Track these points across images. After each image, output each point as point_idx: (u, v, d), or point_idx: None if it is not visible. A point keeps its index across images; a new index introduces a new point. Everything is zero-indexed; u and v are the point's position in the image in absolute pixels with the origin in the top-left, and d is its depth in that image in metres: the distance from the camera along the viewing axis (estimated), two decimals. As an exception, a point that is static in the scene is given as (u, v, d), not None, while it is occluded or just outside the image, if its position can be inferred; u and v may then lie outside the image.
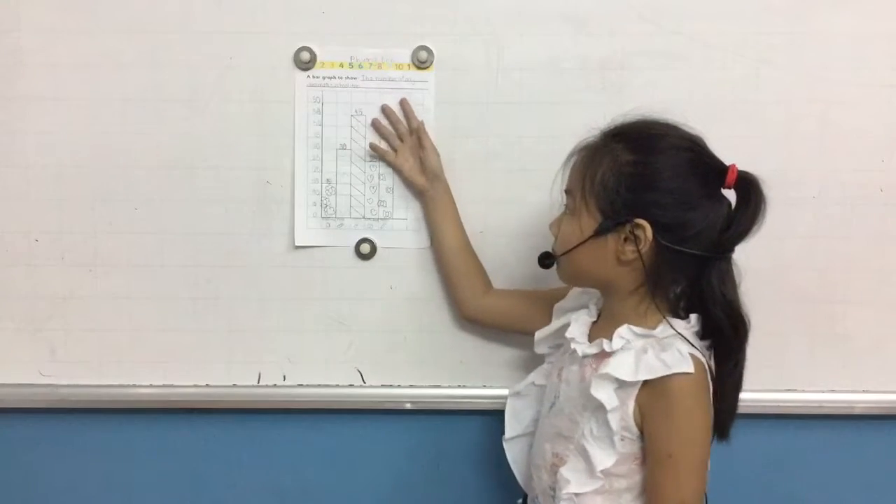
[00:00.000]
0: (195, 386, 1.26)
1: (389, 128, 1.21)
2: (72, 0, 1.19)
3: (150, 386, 1.26)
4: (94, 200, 1.22)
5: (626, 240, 0.95)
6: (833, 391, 1.27)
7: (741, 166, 1.21)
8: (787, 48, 1.21)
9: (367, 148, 1.21)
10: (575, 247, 0.99)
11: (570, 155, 1.02)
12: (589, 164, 0.98)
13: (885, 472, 1.33)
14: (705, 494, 0.97)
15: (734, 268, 0.98)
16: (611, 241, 0.96)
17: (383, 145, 1.21)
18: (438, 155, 1.19)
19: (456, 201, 1.21)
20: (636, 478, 0.97)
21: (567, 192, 1.02)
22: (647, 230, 0.94)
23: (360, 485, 1.32)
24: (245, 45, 1.20)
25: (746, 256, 1.22)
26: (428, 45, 1.20)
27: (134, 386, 1.26)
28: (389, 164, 1.21)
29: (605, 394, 0.95)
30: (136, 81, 1.20)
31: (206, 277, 1.24)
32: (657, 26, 1.20)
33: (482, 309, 1.20)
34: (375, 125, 1.21)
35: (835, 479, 1.32)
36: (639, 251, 0.94)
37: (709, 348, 0.99)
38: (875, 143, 1.23)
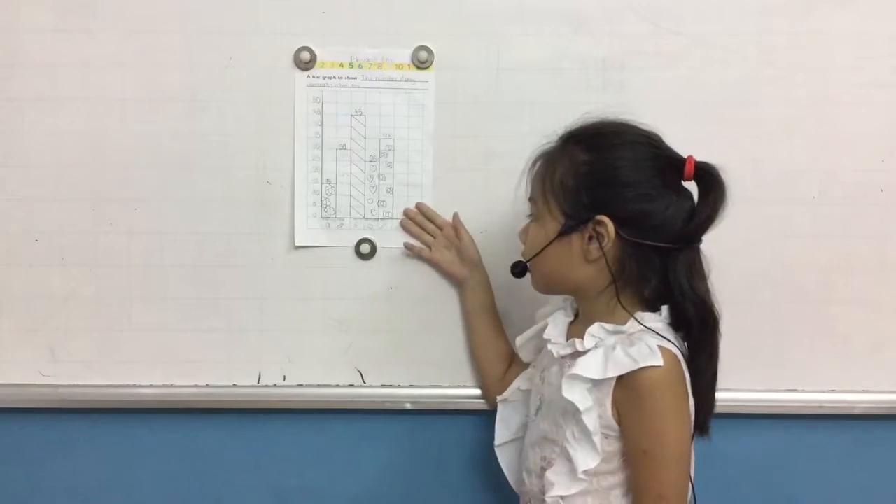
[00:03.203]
0: (195, 386, 1.25)
1: (415, 227, 1.22)
2: (72, 0, 1.19)
3: (150, 386, 1.26)
4: (94, 200, 1.22)
5: (590, 238, 0.96)
6: (833, 391, 1.27)
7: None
8: (787, 48, 1.21)
9: (367, 148, 1.22)
10: (541, 250, 1.00)
11: (531, 162, 1.04)
12: (548, 169, 1.01)
13: (885, 472, 1.33)
14: (692, 487, 0.97)
15: (703, 260, 0.98)
16: (575, 241, 0.97)
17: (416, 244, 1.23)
18: (476, 246, 1.21)
19: (455, 201, 1.22)
20: (623, 475, 0.97)
21: (531, 199, 1.04)
22: (608, 226, 0.95)
23: (360, 485, 1.32)
24: (245, 45, 1.20)
25: (747, 256, 1.24)
26: (428, 45, 1.20)
27: (134, 386, 1.25)
28: (426, 260, 1.22)
29: (577, 394, 0.95)
30: (136, 81, 1.20)
31: (206, 277, 1.24)
32: (657, 26, 1.20)
33: (505, 386, 1.19)
34: (404, 225, 1.22)
35: (835, 479, 1.32)
36: (602, 248, 0.95)
37: (683, 339, 0.99)
38: (875, 143, 1.23)
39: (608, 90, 1.21)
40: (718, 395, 1.23)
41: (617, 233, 0.95)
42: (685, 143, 0.99)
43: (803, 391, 1.27)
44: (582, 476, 0.95)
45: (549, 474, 0.98)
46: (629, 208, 0.95)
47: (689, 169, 0.96)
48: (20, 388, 1.25)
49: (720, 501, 1.32)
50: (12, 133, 1.21)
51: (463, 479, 1.31)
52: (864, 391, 1.27)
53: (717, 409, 1.25)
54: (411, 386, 1.27)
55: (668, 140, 1.00)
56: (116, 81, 1.20)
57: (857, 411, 1.27)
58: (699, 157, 0.98)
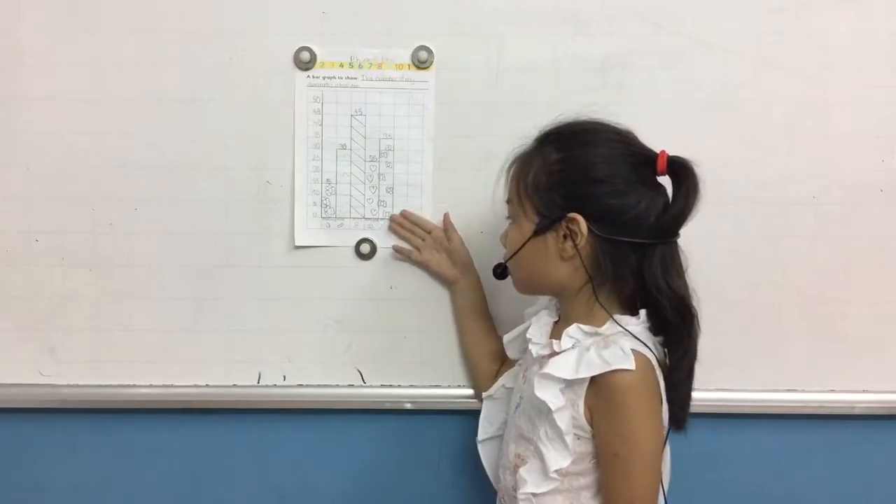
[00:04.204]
0: (195, 386, 1.25)
1: (404, 231, 1.22)
2: (72, 0, 1.19)
3: (150, 386, 1.26)
4: (94, 200, 1.22)
5: (564, 237, 0.96)
6: (833, 391, 1.27)
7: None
8: (787, 48, 1.21)
9: (367, 148, 1.22)
10: (517, 250, 1.00)
11: (507, 165, 1.04)
12: (522, 170, 1.01)
13: (885, 472, 1.33)
14: (663, 491, 0.97)
15: (680, 255, 0.98)
16: (550, 240, 0.98)
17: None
18: (466, 248, 1.21)
19: (456, 201, 1.22)
20: (594, 476, 0.97)
21: (508, 201, 1.05)
22: (580, 224, 0.95)
23: (360, 485, 1.32)
24: (245, 45, 1.20)
25: (747, 256, 1.24)
26: (428, 45, 1.20)
27: (134, 386, 1.26)
28: (415, 262, 1.23)
29: (549, 394, 0.95)
30: (136, 81, 1.20)
31: (206, 277, 1.24)
32: (657, 26, 1.20)
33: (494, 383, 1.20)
34: (393, 229, 1.23)
35: (835, 479, 1.32)
36: (576, 246, 0.96)
37: (663, 344, 0.98)
38: (875, 143, 1.23)
39: (608, 90, 1.21)
40: (717, 396, 1.23)
41: (590, 230, 0.95)
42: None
43: (803, 391, 1.27)
44: (553, 475, 0.96)
45: (522, 471, 0.99)
46: (601, 205, 0.95)
47: (661, 163, 0.96)
48: (20, 388, 1.25)
49: (720, 501, 1.33)
50: (12, 133, 1.21)
51: (462, 479, 1.31)
52: (864, 391, 1.27)
53: (717, 410, 1.26)
54: (411, 386, 1.27)
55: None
56: (116, 81, 1.20)
57: (857, 411, 1.27)
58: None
